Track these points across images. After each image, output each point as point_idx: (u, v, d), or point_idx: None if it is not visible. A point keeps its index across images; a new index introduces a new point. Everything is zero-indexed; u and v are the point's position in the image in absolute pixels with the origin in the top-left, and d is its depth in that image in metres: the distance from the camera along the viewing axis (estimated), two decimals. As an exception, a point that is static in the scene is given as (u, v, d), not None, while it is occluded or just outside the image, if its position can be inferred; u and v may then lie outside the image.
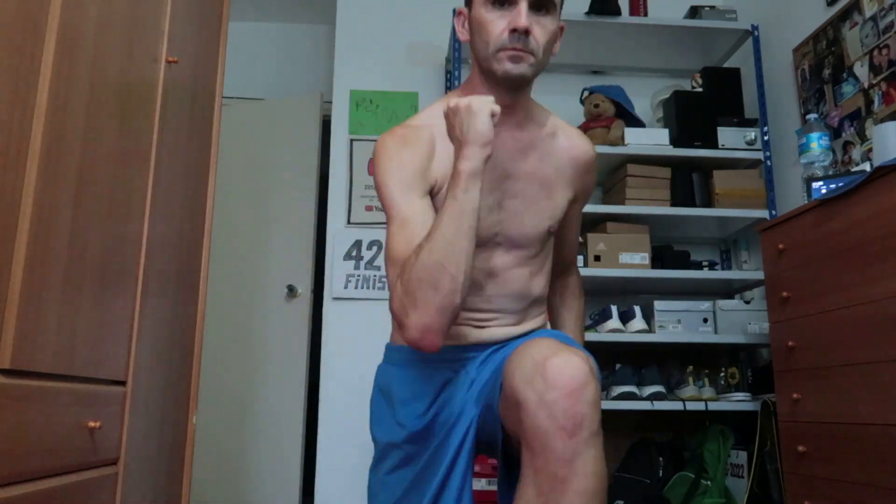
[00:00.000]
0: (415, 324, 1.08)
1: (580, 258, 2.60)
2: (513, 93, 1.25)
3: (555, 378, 0.95)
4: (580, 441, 0.94)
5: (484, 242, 1.23)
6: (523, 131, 1.30)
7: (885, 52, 2.21)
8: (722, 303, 2.64)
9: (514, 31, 1.18)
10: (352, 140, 3.05)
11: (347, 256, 2.95)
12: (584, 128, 2.83)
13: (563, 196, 1.34)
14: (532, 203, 1.28)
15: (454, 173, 1.11)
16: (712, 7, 2.88)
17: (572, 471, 0.93)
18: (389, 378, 1.32)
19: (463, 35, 1.30)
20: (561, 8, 1.27)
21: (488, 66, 1.23)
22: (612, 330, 2.53)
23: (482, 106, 1.11)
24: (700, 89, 2.85)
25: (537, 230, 1.28)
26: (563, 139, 1.36)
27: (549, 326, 1.46)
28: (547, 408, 0.94)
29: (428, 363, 1.26)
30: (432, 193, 1.23)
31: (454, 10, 1.34)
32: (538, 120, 1.34)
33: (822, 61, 2.53)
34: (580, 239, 2.60)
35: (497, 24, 1.20)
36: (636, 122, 2.87)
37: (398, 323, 1.12)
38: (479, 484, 2.42)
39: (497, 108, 1.12)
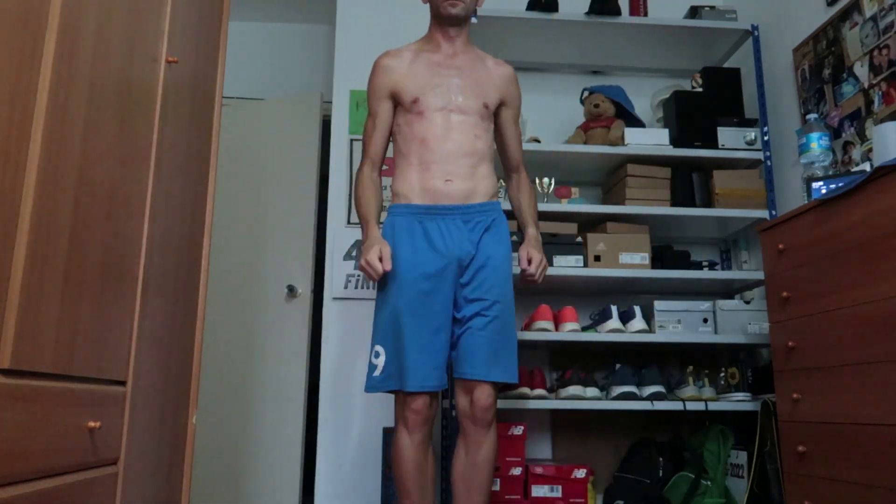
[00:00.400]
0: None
1: (580, 258, 2.60)
2: (453, 27, 2.03)
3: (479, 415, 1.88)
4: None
5: (442, 108, 1.95)
6: (461, 53, 2.05)
7: (885, 52, 2.21)
8: (722, 303, 2.65)
9: None
10: (352, 140, 3.05)
11: (347, 256, 2.95)
12: (585, 128, 2.84)
13: (494, 93, 2.02)
14: (469, 88, 1.98)
15: (365, 227, 1.95)
16: (712, 7, 2.88)
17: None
18: (394, 227, 1.95)
19: None
20: None
21: (436, 11, 2.02)
22: (612, 330, 2.53)
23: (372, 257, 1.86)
24: (700, 89, 2.86)
25: (475, 102, 1.98)
26: (490, 62, 2.08)
27: (498, 196, 2.10)
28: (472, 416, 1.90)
29: (416, 216, 1.93)
30: (394, 94, 1.99)
31: None
32: (473, 51, 2.10)
33: (822, 61, 2.53)
34: (580, 238, 2.62)
35: None
36: (636, 122, 2.87)
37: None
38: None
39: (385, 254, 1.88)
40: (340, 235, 2.96)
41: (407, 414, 1.84)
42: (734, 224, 2.82)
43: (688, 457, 2.58)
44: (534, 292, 2.92)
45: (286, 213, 3.34)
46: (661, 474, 2.53)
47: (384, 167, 2.10)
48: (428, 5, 2.06)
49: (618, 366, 2.55)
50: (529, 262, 2.00)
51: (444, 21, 2.01)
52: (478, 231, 1.93)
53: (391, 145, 2.07)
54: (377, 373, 1.85)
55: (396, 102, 1.99)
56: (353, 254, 2.95)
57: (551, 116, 3.09)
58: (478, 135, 1.96)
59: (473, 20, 2.47)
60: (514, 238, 2.16)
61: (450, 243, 1.90)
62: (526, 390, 2.47)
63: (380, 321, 1.90)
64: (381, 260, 1.83)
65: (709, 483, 2.46)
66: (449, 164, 1.92)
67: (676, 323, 2.61)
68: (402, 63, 2.00)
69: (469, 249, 1.90)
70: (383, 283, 1.91)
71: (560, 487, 2.44)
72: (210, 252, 1.93)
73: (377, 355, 1.86)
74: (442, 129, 1.93)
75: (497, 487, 2.42)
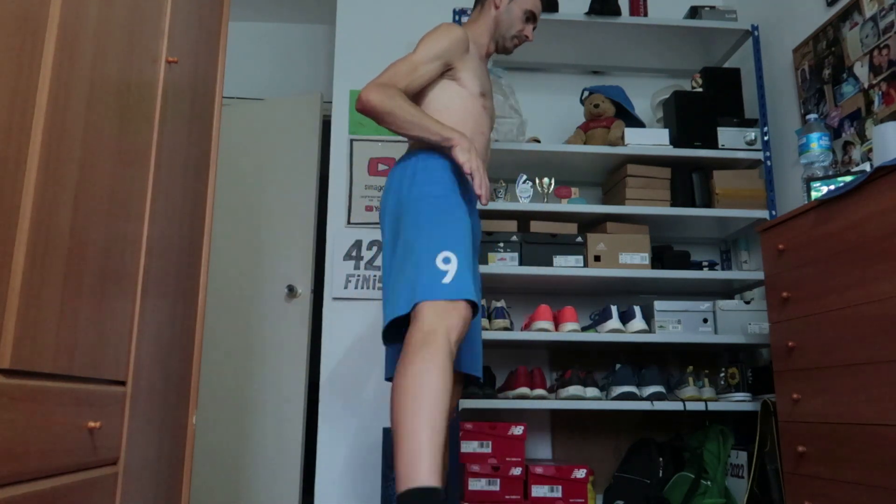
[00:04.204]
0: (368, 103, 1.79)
1: (580, 258, 2.61)
2: (497, 54, 2.21)
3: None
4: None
5: (490, 114, 1.99)
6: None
7: (885, 52, 2.21)
8: (722, 303, 2.65)
9: (526, 37, 2.10)
10: (352, 140, 3.05)
11: (347, 256, 2.95)
12: (585, 128, 2.84)
13: None
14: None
15: (445, 131, 1.76)
16: (712, 7, 2.88)
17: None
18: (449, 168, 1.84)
19: (501, 3, 2.05)
20: None
21: (504, 42, 2.08)
22: (612, 330, 2.53)
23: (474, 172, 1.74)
24: (700, 89, 2.86)
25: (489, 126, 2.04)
26: None
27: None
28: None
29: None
30: (456, 67, 1.89)
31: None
32: None
33: (822, 61, 2.53)
34: (580, 238, 2.62)
35: (524, 28, 2.09)
36: (636, 123, 2.87)
37: (368, 94, 1.78)
38: (479, 484, 2.42)
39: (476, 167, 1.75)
40: (340, 235, 2.96)
41: (463, 328, 1.59)
42: (734, 224, 2.82)
43: (688, 457, 2.58)
44: (534, 292, 2.92)
45: (286, 213, 3.34)
46: (661, 474, 2.53)
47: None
48: (505, 8, 2.05)
49: (618, 366, 2.55)
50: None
51: (501, 50, 2.10)
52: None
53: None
54: (447, 279, 1.61)
55: (447, 73, 1.90)
56: (354, 254, 2.95)
57: (551, 116, 3.09)
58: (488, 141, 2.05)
59: None
60: None
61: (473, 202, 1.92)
62: (526, 390, 2.47)
63: (451, 227, 1.71)
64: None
65: (709, 483, 2.46)
66: (481, 149, 1.94)
67: (676, 323, 2.61)
68: (473, 48, 1.97)
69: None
70: (445, 185, 1.79)
71: (560, 487, 2.44)
72: (210, 252, 1.93)
73: (447, 261, 1.64)
74: (485, 129, 1.96)
75: (497, 487, 2.42)
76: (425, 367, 1.48)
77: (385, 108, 1.75)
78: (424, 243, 1.67)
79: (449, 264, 1.63)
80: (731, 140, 2.73)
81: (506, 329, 2.51)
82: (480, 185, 1.70)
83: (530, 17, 2.07)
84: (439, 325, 1.54)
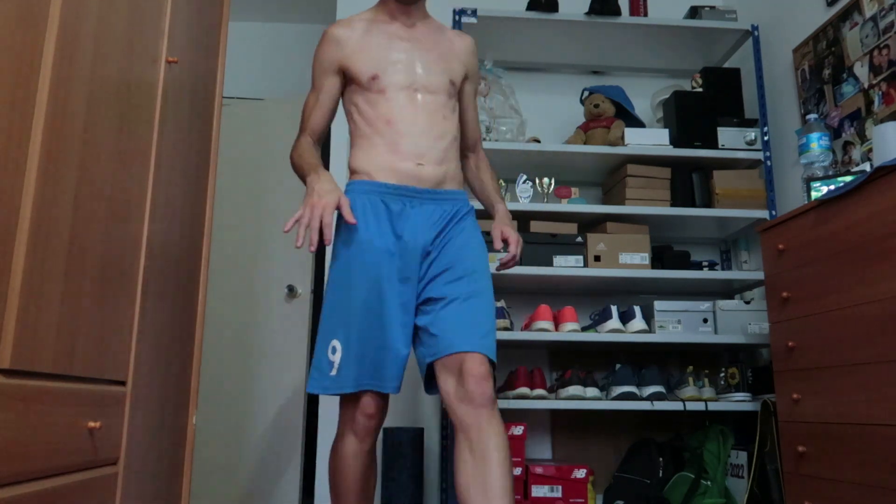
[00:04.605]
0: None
1: (580, 258, 2.60)
2: (410, 4, 1.79)
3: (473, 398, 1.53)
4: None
5: (407, 87, 1.73)
6: (419, 23, 1.83)
7: (885, 52, 2.21)
8: (722, 303, 2.65)
9: None
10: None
11: (347, 256, 2.95)
12: (585, 128, 2.84)
13: (459, 67, 1.84)
14: (433, 63, 1.78)
15: (311, 172, 1.67)
16: (712, 7, 2.88)
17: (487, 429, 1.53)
18: (353, 205, 1.69)
19: None
20: None
21: None
22: (612, 330, 2.53)
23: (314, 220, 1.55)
24: (700, 89, 2.86)
25: (441, 80, 1.77)
26: (450, 33, 1.89)
27: (460, 179, 1.84)
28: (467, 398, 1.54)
29: (383, 195, 1.69)
30: (344, 68, 1.77)
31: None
32: (431, 23, 1.88)
33: (822, 61, 2.53)
34: (580, 238, 2.61)
35: None
36: (636, 123, 2.87)
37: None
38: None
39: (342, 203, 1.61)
40: (340, 235, 2.96)
41: (359, 418, 1.61)
42: (734, 224, 2.82)
43: (688, 457, 2.58)
44: (534, 292, 2.92)
45: (286, 213, 3.34)
46: (661, 474, 2.53)
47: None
48: None
49: (618, 366, 2.55)
50: (506, 242, 1.83)
51: None
52: (447, 220, 1.72)
53: (346, 127, 1.90)
54: (333, 371, 1.60)
55: (348, 79, 1.78)
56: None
57: (551, 116, 3.09)
58: (446, 115, 1.77)
59: None
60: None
61: (416, 232, 1.67)
62: (526, 390, 2.47)
63: (333, 308, 1.66)
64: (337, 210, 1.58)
65: (709, 483, 2.46)
66: (420, 146, 1.70)
67: (676, 323, 2.61)
68: (354, 34, 1.77)
69: (433, 238, 1.69)
70: (338, 260, 1.68)
71: (560, 487, 2.44)
72: (210, 252, 1.93)
73: (334, 351, 1.62)
74: (409, 110, 1.72)
75: (497, 487, 2.42)
76: (332, 465, 1.69)
77: (292, 164, 1.77)
78: (321, 330, 1.70)
79: (335, 355, 1.63)
80: (731, 140, 2.73)
81: (506, 329, 2.52)
82: (302, 236, 1.52)
83: None
84: (340, 423, 1.68)
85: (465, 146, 1.97)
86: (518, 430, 2.49)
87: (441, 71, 1.78)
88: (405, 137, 1.70)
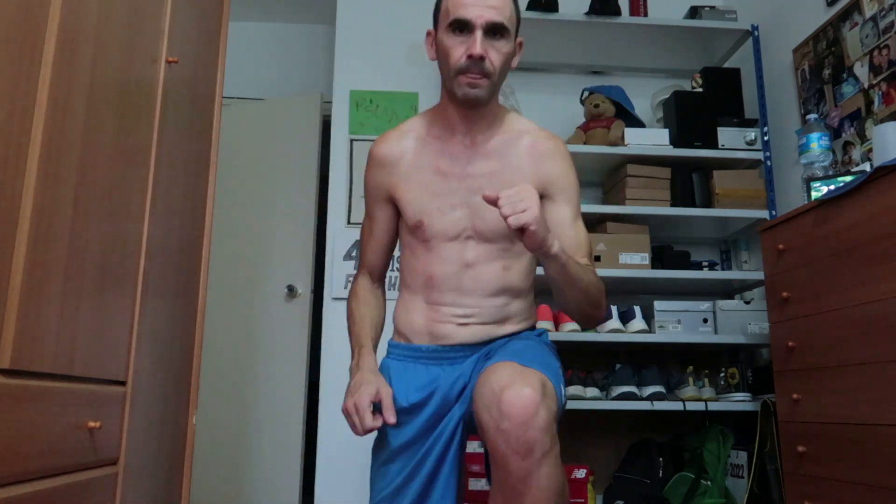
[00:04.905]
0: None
1: (580, 258, 2.59)
2: (473, 110, 1.42)
3: (508, 410, 1.10)
4: (533, 462, 1.10)
5: (455, 237, 1.43)
6: (486, 137, 1.46)
7: (885, 52, 2.21)
8: (722, 303, 2.64)
9: (470, 56, 1.34)
10: (352, 140, 3.05)
11: (347, 256, 2.95)
12: (585, 128, 2.83)
13: None
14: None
15: (356, 354, 1.44)
16: (712, 7, 2.88)
17: (528, 486, 1.11)
18: (388, 370, 1.46)
19: (431, 54, 1.46)
20: (517, 29, 1.44)
21: (451, 88, 1.40)
22: (612, 330, 2.53)
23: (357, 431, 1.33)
24: (700, 89, 2.85)
25: (502, 224, 1.30)
26: (528, 139, 1.47)
27: (536, 327, 1.54)
28: (503, 435, 1.10)
29: (419, 360, 1.45)
30: (392, 200, 1.50)
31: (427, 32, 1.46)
32: (505, 127, 1.48)
33: (822, 61, 2.53)
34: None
35: (457, 50, 1.36)
36: (636, 123, 2.87)
37: None
38: (480, 484, 2.42)
39: (369, 427, 1.32)
40: (340, 235, 2.96)
41: None
42: (734, 224, 2.82)
43: (688, 457, 2.58)
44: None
45: (286, 213, 3.34)
46: (661, 474, 2.53)
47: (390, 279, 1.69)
48: (435, 51, 1.45)
49: (618, 366, 2.55)
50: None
51: (461, 103, 1.41)
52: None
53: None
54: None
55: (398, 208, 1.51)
56: (353, 254, 2.95)
57: (551, 116, 3.09)
58: (507, 265, 1.44)
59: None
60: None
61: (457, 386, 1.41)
62: (526, 390, 2.47)
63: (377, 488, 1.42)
64: (375, 408, 1.33)
65: (709, 483, 2.46)
66: (466, 306, 1.43)
67: (676, 323, 2.61)
68: (402, 159, 1.47)
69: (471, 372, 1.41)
70: (383, 436, 1.42)
71: (560, 487, 2.44)
72: (210, 252, 1.93)
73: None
74: (455, 266, 1.42)
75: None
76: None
77: (347, 310, 1.55)
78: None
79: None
80: (731, 140, 2.73)
81: (506, 329, 2.51)
82: (356, 424, 1.31)
83: (457, 27, 1.36)
84: None
85: None
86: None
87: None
88: (447, 297, 1.43)
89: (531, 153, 1.45)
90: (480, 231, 1.42)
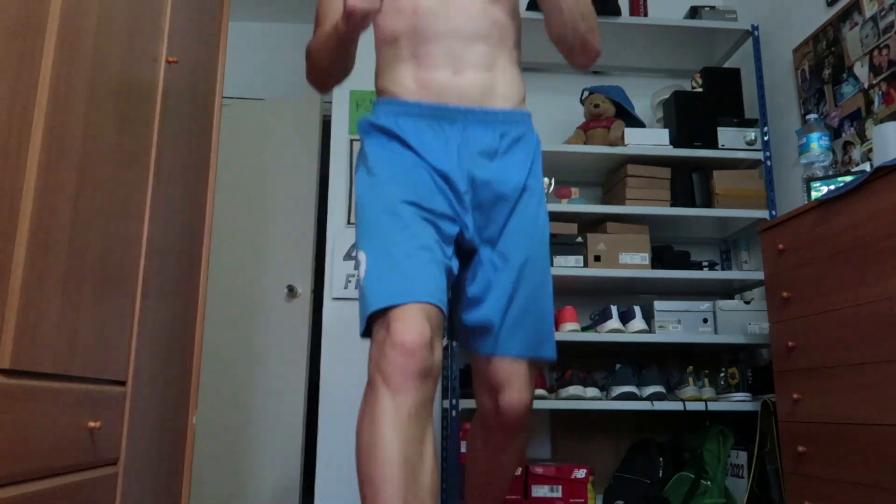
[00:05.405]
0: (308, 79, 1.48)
1: (580, 258, 2.60)
2: None
3: (506, 408, 1.38)
4: (516, 433, 1.45)
5: None
6: None
7: (885, 52, 2.21)
8: (722, 303, 2.64)
9: None
10: (352, 140, 3.05)
11: (347, 256, 2.95)
12: (585, 128, 2.84)
13: None
14: None
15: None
16: (712, 7, 2.88)
17: (509, 443, 1.46)
18: (390, 121, 1.36)
19: None
20: None
21: None
22: (612, 330, 2.53)
23: (355, 12, 1.21)
24: (700, 89, 2.86)
25: None
26: None
27: (518, 97, 1.44)
28: (497, 418, 1.41)
29: (423, 117, 1.34)
30: None
31: None
32: None
33: (822, 61, 2.53)
34: (580, 238, 2.61)
35: None
36: (636, 123, 2.87)
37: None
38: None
39: (376, 8, 1.22)
40: (340, 235, 2.96)
41: (391, 351, 1.11)
42: (734, 224, 2.82)
43: (688, 457, 2.58)
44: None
45: (286, 213, 3.34)
46: (661, 474, 2.53)
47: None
48: None
49: (618, 366, 2.55)
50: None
51: None
52: (500, 148, 1.36)
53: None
54: (364, 293, 1.22)
55: None
56: (353, 254, 2.95)
57: (551, 116, 3.09)
58: (491, 2, 1.36)
59: None
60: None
61: (462, 159, 1.32)
62: (526, 390, 2.47)
63: (363, 214, 1.29)
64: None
65: (709, 483, 2.46)
66: (456, 46, 1.33)
67: (676, 323, 2.61)
68: None
69: (486, 175, 1.34)
70: (368, 165, 1.33)
71: (560, 487, 2.44)
72: (210, 252, 1.93)
73: (358, 265, 1.24)
74: (438, 11, 1.33)
75: (497, 487, 2.42)
76: (358, 426, 1.14)
77: (307, 68, 1.45)
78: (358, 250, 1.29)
79: (359, 268, 1.25)
80: (731, 140, 2.73)
81: (506, 329, 2.51)
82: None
83: None
84: (370, 365, 1.16)
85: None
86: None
87: None
88: (437, 33, 1.32)
89: None
90: None
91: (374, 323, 1.18)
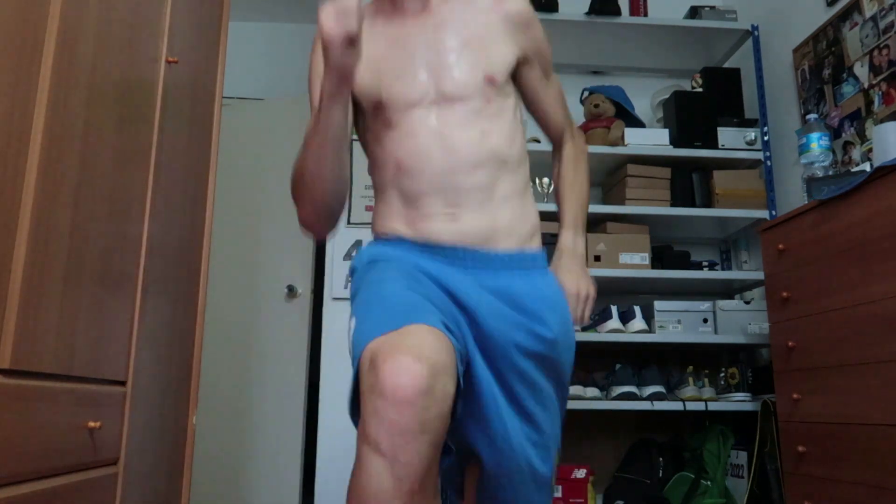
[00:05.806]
0: (300, 218, 1.30)
1: (580, 258, 2.59)
2: None
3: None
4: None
5: (415, 105, 1.20)
6: (438, 5, 1.27)
7: (885, 52, 2.21)
8: (722, 303, 2.64)
9: None
10: (351, 140, 3.05)
11: (347, 256, 2.95)
12: (585, 128, 2.83)
13: (503, 48, 1.26)
14: (460, 57, 1.22)
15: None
16: (712, 7, 2.88)
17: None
18: (385, 251, 1.24)
19: None
20: None
21: None
22: (612, 330, 2.53)
23: (332, 39, 1.01)
24: (700, 89, 2.86)
25: (472, 78, 1.20)
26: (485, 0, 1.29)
27: (524, 231, 1.30)
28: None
29: (423, 252, 1.21)
30: None
31: None
32: None
33: (822, 61, 2.53)
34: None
35: None
36: (636, 123, 2.87)
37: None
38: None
39: (353, 30, 1.00)
40: (340, 235, 2.96)
41: (379, 405, 0.87)
42: (734, 224, 2.82)
43: (688, 457, 2.58)
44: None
45: (286, 213, 3.33)
46: (661, 474, 2.53)
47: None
48: None
49: (618, 366, 2.55)
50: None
51: None
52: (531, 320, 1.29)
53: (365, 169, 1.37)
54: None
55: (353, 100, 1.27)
56: (354, 253, 2.95)
57: (551, 116, 3.09)
58: (486, 129, 1.21)
59: None
60: None
61: (468, 293, 1.18)
62: (526, 390, 2.47)
63: (358, 297, 1.17)
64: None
65: (709, 483, 2.46)
66: (447, 190, 1.19)
67: (676, 323, 2.61)
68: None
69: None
70: (363, 266, 1.23)
71: (560, 487, 2.44)
72: (210, 252, 1.93)
73: (348, 332, 1.11)
74: (424, 140, 1.20)
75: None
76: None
77: (292, 186, 1.30)
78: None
79: (348, 334, 1.10)
80: (731, 140, 2.73)
81: (506, 329, 2.51)
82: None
83: None
84: (358, 428, 0.94)
85: (551, 137, 1.49)
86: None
87: (469, 65, 1.22)
88: (423, 181, 1.19)
89: (504, 12, 1.28)
90: (444, 91, 1.21)
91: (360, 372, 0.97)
